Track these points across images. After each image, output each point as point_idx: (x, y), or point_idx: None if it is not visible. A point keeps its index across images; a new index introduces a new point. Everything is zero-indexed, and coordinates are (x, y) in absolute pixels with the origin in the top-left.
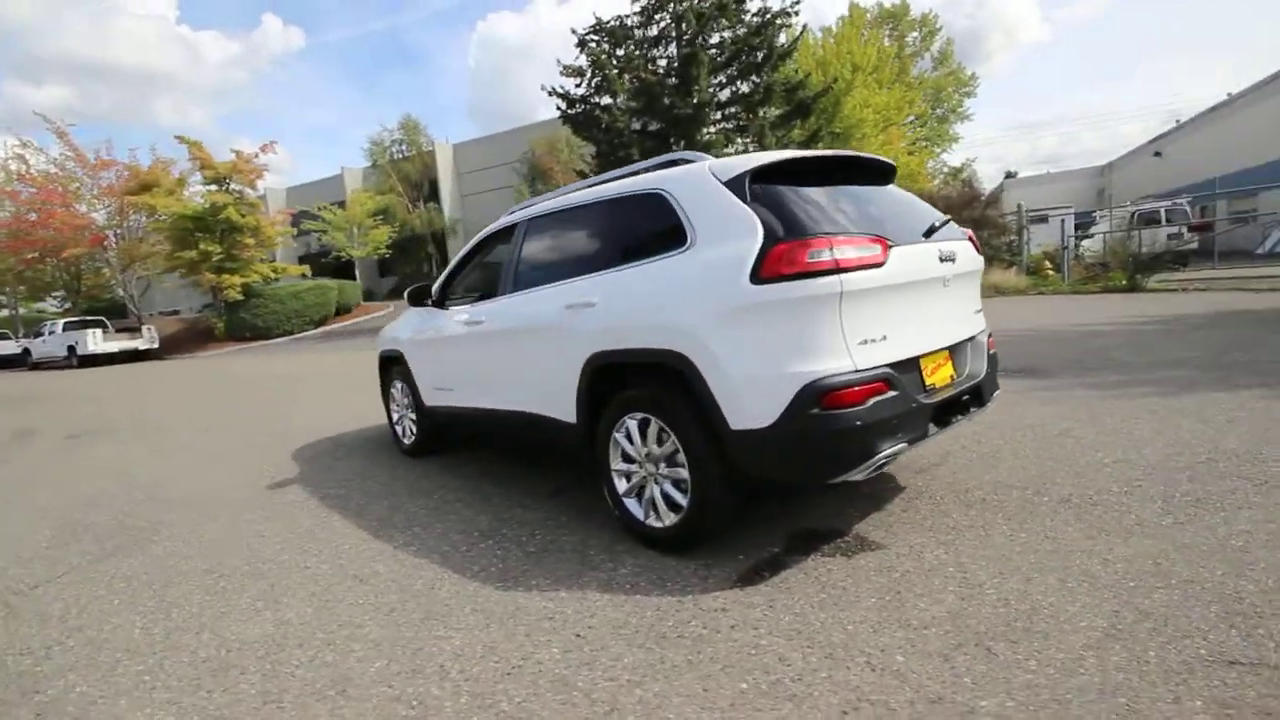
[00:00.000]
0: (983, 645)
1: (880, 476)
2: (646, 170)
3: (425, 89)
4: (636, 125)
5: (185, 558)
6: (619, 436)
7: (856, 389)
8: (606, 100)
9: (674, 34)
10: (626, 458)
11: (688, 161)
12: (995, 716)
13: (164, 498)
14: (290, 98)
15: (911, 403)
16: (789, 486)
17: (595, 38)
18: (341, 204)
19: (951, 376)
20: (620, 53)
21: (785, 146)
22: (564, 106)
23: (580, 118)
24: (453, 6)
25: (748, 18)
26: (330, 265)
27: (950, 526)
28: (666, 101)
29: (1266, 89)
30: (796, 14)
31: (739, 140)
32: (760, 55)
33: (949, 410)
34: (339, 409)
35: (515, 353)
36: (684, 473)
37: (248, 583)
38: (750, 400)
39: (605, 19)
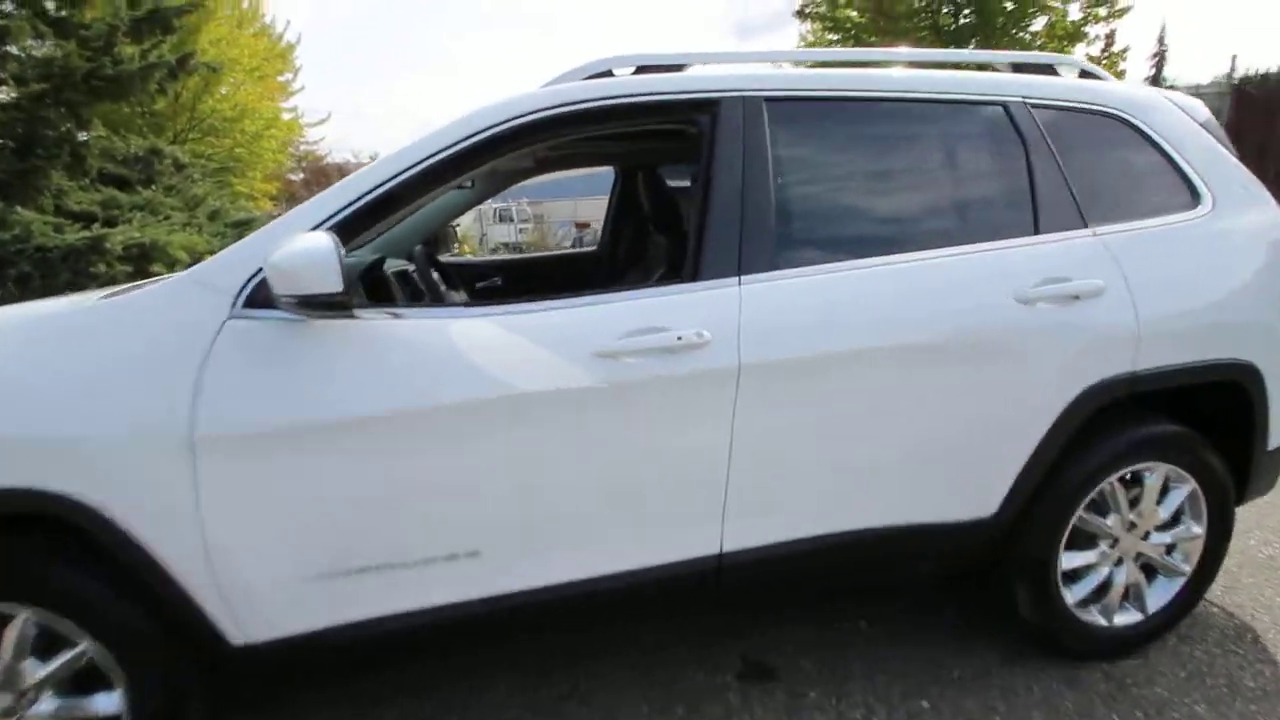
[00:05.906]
0: None
1: None
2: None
3: None
4: None
5: None
6: (1084, 513)
7: None
8: None
9: None
10: (1085, 542)
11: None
12: None
13: None
14: None
15: None
16: None
17: None
18: None
19: None
20: None
21: (154, 67)
22: None
23: None
24: None
25: None
26: None
27: None
28: None
29: None
30: None
31: (63, 44)
32: None
33: None
34: None
35: (860, 406)
36: (1195, 529)
37: None
38: None
39: None
